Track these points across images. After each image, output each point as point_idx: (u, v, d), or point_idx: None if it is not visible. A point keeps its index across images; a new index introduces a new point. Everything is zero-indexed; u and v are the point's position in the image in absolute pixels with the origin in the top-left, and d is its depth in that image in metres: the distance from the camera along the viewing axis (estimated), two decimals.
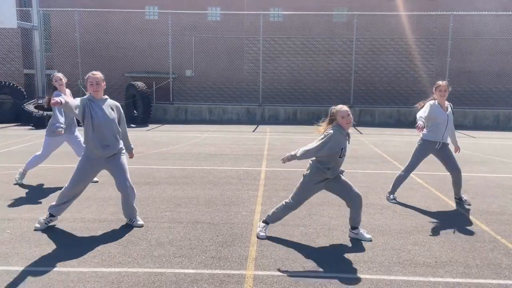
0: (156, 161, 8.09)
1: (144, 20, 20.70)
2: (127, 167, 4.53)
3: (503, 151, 10.14)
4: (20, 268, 3.51)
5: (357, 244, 4.11)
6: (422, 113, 5.22)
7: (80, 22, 17.34)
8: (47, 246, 3.97)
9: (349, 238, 4.26)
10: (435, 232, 4.49)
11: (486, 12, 17.92)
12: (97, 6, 19.57)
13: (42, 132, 12.64)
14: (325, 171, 4.09)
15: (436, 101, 5.39)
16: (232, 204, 5.38)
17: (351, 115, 4.08)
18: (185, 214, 4.94)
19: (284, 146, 10.38)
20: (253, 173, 7.23)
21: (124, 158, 4.55)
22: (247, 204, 5.38)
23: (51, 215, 4.47)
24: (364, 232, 4.29)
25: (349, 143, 4.18)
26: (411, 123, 16.34)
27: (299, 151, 4.08)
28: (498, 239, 4.30)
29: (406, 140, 11.95)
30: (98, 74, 4.35)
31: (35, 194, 5.75)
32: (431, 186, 6.49)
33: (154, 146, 10.01)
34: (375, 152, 9.62)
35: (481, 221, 4.85)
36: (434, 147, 5.43)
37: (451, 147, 5.60)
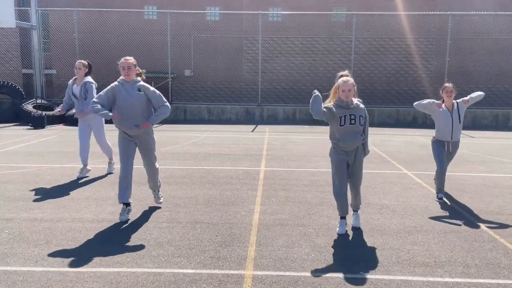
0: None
1: (143, 19, 20.68)
2: (153, 147, 4.95)
3: (502, 150, 10.15)
4: (18, 268, 3.50)
5: (356, 244, 4.11)
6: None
7: (78, 21, 17.32)
8: (45, 246, 3.96)
9: (348, 238, 4.26)
10: (434, 232, 4.49)
11: (484, 12, 17.94)
12: (95, 5, 19.54)
13: (41, 132, 12.66)
14: (336, 144, 4.42)
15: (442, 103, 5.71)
16: (231, 204, 5.37)
17: (347, 88, 4.27)
18: (184, 214, 4.94)
19: (283, 146, 10.38)
20: (252, 173, 7.23)
21: (150, 139, 4.89)
22: (246, 204, 5.38)
23: (126, 205, 4.78)
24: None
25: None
26: (410, 123, 16.36)
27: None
28: (497, 238, 4.30)
29: (406, 140, 11.95)
30: (130, 59, 4.79)
31: (34, 194, 5.74)
32: (430, 186, 6.49)
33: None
34: (374, 152, 9.61)
35: (480, 221, 4.85)
36: (444, 146, 5.71)
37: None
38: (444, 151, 5.74)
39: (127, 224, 4.56)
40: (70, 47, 17.77)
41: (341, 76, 4.34)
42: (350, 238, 4.27)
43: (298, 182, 6.60)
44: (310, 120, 16.80)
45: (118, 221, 4.67)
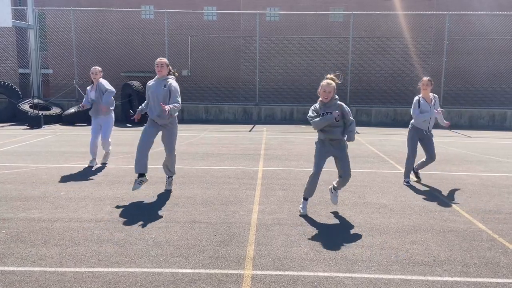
0: (152, 161, 8.00)
1: (140, 19, 20.62)
2: (174, 138, 5.81)
3: (499, 150, 10.18)
4: (16, 269, 3.47)
5: (355, 243, 4.10)
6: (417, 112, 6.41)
7: (75, 21, 17.25)
8: (43, 246, 3.94)
9: (347, 238, 4.25)
10: (432, 231, 4.49)
11: (481, 12, 18.00)
12: (92, 5, 19.47)
13: (37, 131, 12.60)
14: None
15: (420, 96, 6.46)
16: (230, 204, 5.36)
17: (325, 90, 4.99)
18: (182, 214, 4.92)
19: (281, 145, 10.37)
20: (250, 172, 7.22)
21: (174, 129, 5.75)
22: (245, 204, 5.37)
23: (140, 176, 5.48)
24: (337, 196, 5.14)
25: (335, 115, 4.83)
26: (407, 123, 16.33)
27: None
28: (496, 237, 4.31)
29: (403, 139, 11.96)
30: (163, 60, 5.67)
31: (31, 193, 5.70)
32: (428, 184, 6.49)
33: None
34: (372, 152, 9.62)
35: (478, 220, 4.86)
36: (422, 133, 6.47)
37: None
38: (416, 142, 6.53)
39: (125, 224, 4.54)
40: (67, 46, 17.70)
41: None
42: (349, 237, 4.27)
43: (296, 181, 6.60)
44: (307, 120, 16.80)
45: (116, 220, 4.65)
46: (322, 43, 20.09)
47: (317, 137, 5.08)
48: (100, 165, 7.59)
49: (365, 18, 18.80)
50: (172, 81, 5.64)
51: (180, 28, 19.10)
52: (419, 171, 6.80)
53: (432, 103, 6.41)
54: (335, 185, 5.14)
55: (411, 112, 6.49)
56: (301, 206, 5.03)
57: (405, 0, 20.19)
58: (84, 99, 7.61)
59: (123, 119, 15.11)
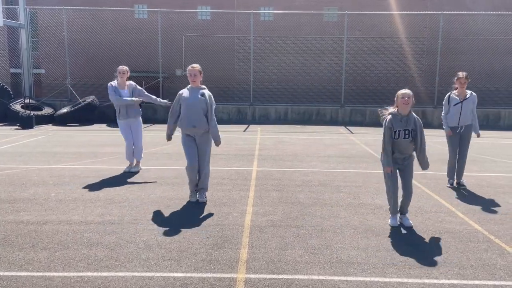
0: (145, 162, 7.93)
1: (133, 19, 20.46)
2: (208, 150, 5.44)
3: (493, 150, 10.18)
4: (3, 273, 3.37)
5: (350, 245, 4.04)
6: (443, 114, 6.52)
7: (68, 20, 17.07)
8: (31, 250, 3.84)
9: (342, 240, 4.19)
10: (428, 232, 4.44)
11: (475, 12, 18.04)
12: (85, 4, 19.29)
13: (29, 132, 12.43)
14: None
15: (452, 92, 6.40)
16: (223, 205, 5.28)
17: (406, 98, 4.43)
18: (174, 216, 4.83)
19: (275, 145, 10.30)
20: (244, 173, 7.14)
21: (208, 140, 5.42)
22: (238, 205, 5.29)
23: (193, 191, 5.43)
24: (407, 218, 4.67)
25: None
26: None
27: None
28: (492, 239, 4.26)
29: None
30: (196, 67, 5.33)
31: (20, 195, 5.59)
32: (423, 186, 6.45)
33: (143, 146, 9.84)
34: (366, 152, 9.58)
35: (474, 221, 4.81)
36: (456, 131, 6.34)
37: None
38: (456, 142, 6.46)
39: (115, 226, 4.44)
40: (59, 46, 17.52)
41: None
42: (344, 239, 4.20)
43: (290, 182, 6.53)
44: (302, 120, 16.75)
45: (107, 222, 4.55)
46: (316, 43, 20.05)
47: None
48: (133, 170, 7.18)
49: (360, 17, 18.79)
50: (209, 92, 5.39)
51: (174, 28, 18.98)
52: (462, 181, 6.55)
53: (467, 98, 6.32)
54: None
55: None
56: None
57: (400, 0, 20.21)
58: (119, 97, 6.96)
59: (115, 119, 14.97)
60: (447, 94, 6.50)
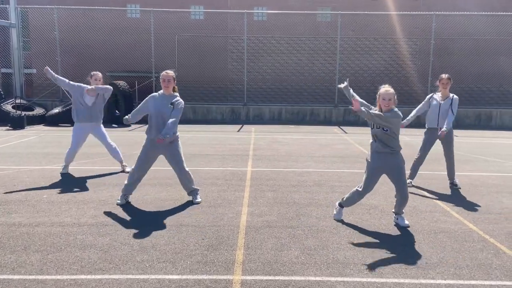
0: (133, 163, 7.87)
1: (126, 18, 20.34)
2: (179, 155, 5.20)
3: (486, 149, 10.24)
4: None
5: (346, 246, 4.02)
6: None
7: (59, 19, 16.92)
8: (23, 252, 3.77)
9: (338, 240, 4.17)
10: (424, 232, 4.43)
11: (468, 12, 18.16)
12: (77, 3, 19.15)
13: (20, 132, 12.29)
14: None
15: (433, 93, 6.40)
16: (218, 206, 5.24)
17: (388, 99, 4.39)
18: (169, 217, 4.78)
19: (270, 146, 10.27)
20: (239, 173, 7.10)
21: (176, 147, 5.17)
22: (233, 206, 5.25)
23: (125, 194, 5.27)
24: (403, 218, 4.65)
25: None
26: None
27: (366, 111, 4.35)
28: (487, 238, 4.27)
29: None
30: (170, 73, 5.09)
31: (11, 197, 5.50)
32: (418, 185, 6.46)
33: (136, 147, 9.76)
34: (360, 151, 9.59)
35: (469, 220, 4.82)
36: (435, 133, 6.25)
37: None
38: (431, 143, 6.41)
39: (109, 228, 4.39)
40: (50, 46, 17.36)
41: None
42: (340, 239, 4.18)
43: (285, 182, 6.50)
44: (296, 120, 16.75)
45: (100, 224, 4.50)
46: (310, 43, 20.07)
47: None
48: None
49: (353, 18, 18.83)
50: (181, 100, 5.08)
51: (166, 28, 18.88)
52: (455, 180, 6.48)
53: (444, 101, 6.22)
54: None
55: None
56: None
57: (392, 0, 20.29)
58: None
59: (109, 120, 14.85)
60: (430, 94, 6.44)
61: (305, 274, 3.42)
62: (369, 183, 4.50)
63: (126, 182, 5.27)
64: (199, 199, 5.39)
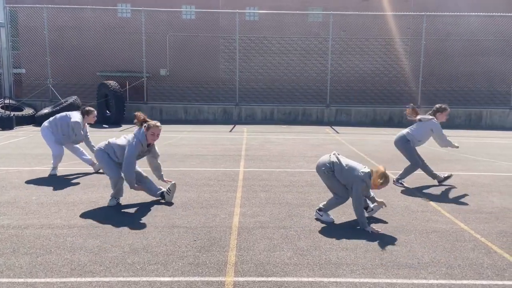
0: None
1: (116, 18, 20.19)
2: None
3: (476, 149, 10.33)
4: None
5: (339, 246, 4.02)
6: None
7: (49, 19, 16.75)
8: (12, 255, 3.71)
9: (330, 240, 4.17)
10: (415, 232, 4.45)
11: (457, 13, 18.31)
12: (67, 2, 18.97)
13: (9, 133, 12.15)
14: None
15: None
16: (210, 207, 5.21)
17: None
18: (160, 218, 4.74)
19: (262, 146, 10.26)
20: (231, 174, 7.08)
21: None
22: (226, 207, 5.23)
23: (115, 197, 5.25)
24: (328, 215, 4.76)
25: None
26: (386, 122, 16.53)
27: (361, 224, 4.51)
28: (478, 238, 4.30)
29: (382, 139, 12.03)
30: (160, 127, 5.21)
31: (0, 198, 5.42)
32: (410, 185, 6.49)
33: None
34: (352, 151, 9.61)
35: (460, 220, 4.85)
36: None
37: None
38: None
39: (99, 230, 4.34)
40: (40, 45, 17.17)
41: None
42: (332, 240, 4.18)
43: (278, 183, 6.49)
44: (288, 120, 16.76)
45: (91, 226, 4.44)
46: (302, 43, 20.10)
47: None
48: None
49: (344, 18, 18.90)
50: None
51: (158, 27, 18.79)
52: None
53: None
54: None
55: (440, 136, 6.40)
56: None
57: (383, 1, 20.40)
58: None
59: (100, 120, 14.73)
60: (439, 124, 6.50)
61: (298, 275, 3.41)
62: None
63: (112, 190, 5.22)
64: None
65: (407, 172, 6.53)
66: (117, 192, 5.22)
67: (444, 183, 6.57)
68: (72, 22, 18.63)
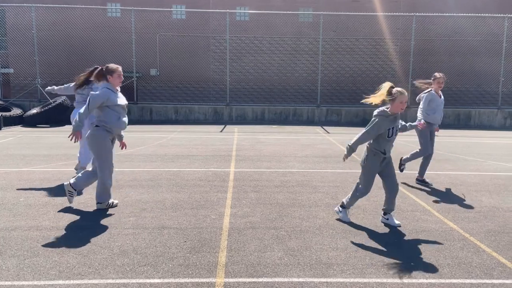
0: (119, 163, 7.73)
1: (106, 17, 20.03)
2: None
3: (465, 148, 10.43)
4: None
5: (329, 246, 4.02)
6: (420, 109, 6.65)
7: (37, 18, 16.56)
8: None
9: (320, 240, 4.17)
10: (405, 231, 4.47)
11: (447, 14, 18.48)
12: (56, 1, 18.76)
13: None
14: (379, 154, 4.51)
15: (433, 89, 6.57)
16: (201, 208, 5.18)
17: (404, 102, 4.40)
18: (150, 219, 4.71)
19: (253, 146, 10.25)
20: (222, 174, 7.05)
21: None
22: (216, 207, 5.20)
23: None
24: (394, 218, 4.65)
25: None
26: None
27: (351, 142, 4.49)
28: (467, 237, 4.33)
29: None
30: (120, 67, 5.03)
31: None
32: (399, 185, 6.51)
33: (117, 148, 9.62)
34: (343, 151, 9.64)
35: (449, 219, 4.89)
36: (432, 128, 6.68)
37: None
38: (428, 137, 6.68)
39: (88, 231, 4.29)
40: (28, 45, 16.97)
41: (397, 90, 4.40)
42: (323, 240, 4.18)
43: (268, 183, 6.48)
44: (278, 120, 16.77)
45: (79, 228, 4.39)
46: (292, 43, 20.14)
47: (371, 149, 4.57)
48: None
49: (334, 18, 18.97)
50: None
51: (148, 27, 18.68)
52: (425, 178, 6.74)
53: (442, 98, 6.70)
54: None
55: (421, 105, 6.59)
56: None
57: (373, 1, 20.52)
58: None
59: None
60: (429, 92, 6.55)
61: (289, 276, 3.40)
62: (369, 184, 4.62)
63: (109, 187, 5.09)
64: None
65: (414, 156, 6.69)
66: (103, 192, 5.02)
67: (429, 183, 6.61)
68: (61, 22, 18.43)
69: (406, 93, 4.40)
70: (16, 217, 4.71)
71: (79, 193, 5.54)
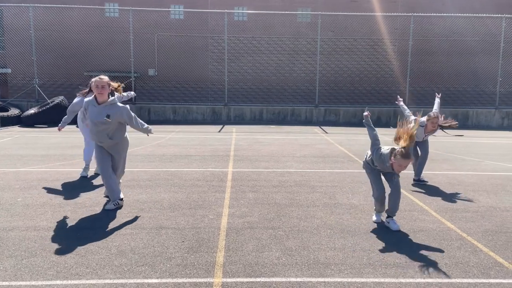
0: None
1: (104, 17, 20.00)
2: (123, 155, 5.36)
3: (463, 148, 10.45)
4: None
5: (327, 246, 4.03)
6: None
7: (35, 18, 16.53)
8: None
9: (318, 240, 4.17)
10: (403, 231, 4.48)
11: (445, 14, 18.51)
12: (53, 1, 18.73)
13: None
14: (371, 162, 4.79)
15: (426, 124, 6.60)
16: (199, 208, 5.18)
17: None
18: (148, 219, 4.71)
19: (251, 146, 10.25)
20: (220, 174, 7.05)
21: (121, 147, 5.27)
22: (214, 207, 5.21)
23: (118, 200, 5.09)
24: (395, 222, 4.59)
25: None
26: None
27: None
28: (464, 236, 4.34)
29: None
30: (105, 78, 4.88)
31: None
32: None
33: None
34: (341, 151, 9.66)
35: (447, 219, 4.90)
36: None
37: None
38: None
39: (86, 232, 4.29)
40: (26, 45, 16.94)
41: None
42: (321, 239, 4.19)
43: (266, 183, 6.49)
44: (277, 120, 16.78)
45: (77, 228, 4.39)
46: (290, 43, 20.14)
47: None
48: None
49: (333, 18, 18.98)
50: (122, 107, 4.98)
51: (146, 27, 18.66)
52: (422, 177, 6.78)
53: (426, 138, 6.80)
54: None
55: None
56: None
57: (371, 2, 20.53)
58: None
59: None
60: (423, 126, 6.58)
61: (286, 275, 3.41)
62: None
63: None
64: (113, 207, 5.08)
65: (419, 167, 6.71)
66: (110, 192, 5.10)
67: (425, 180, 6.66)
68: (59, 21, 18.39)
69: (411, 159, 4.45)
70: (13, 217, 4.71)
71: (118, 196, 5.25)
